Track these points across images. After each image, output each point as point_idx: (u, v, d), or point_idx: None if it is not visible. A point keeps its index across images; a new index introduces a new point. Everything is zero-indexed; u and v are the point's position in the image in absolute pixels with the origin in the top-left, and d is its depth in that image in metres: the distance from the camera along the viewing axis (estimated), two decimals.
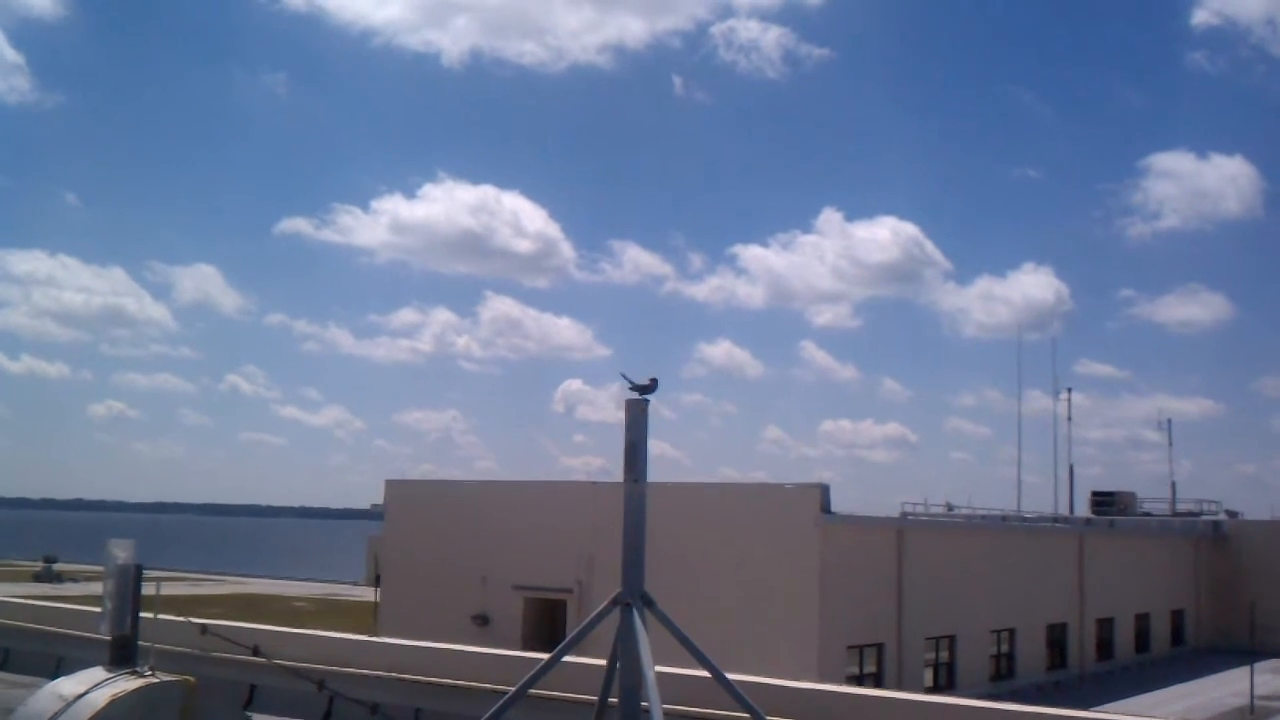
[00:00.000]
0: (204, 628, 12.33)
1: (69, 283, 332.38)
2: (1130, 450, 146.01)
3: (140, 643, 8.89)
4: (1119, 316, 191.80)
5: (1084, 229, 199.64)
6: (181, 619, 12.23)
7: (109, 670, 8.14)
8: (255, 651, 11.87)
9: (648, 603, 7.45)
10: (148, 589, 9.42)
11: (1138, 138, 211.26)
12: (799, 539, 31.66)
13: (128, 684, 7.80)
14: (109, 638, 8.60)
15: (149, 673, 8.15)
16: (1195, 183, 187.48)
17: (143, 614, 9.54)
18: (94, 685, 7.74)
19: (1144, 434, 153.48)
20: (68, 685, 7.92)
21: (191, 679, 8.25)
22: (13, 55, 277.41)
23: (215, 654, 11.87)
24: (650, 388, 7.58)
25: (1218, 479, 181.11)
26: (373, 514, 44.06)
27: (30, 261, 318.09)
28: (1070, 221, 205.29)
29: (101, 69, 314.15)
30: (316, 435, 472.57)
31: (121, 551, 8.72)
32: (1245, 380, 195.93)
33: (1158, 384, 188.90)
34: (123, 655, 8.40)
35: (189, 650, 11.65)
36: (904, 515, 40.20)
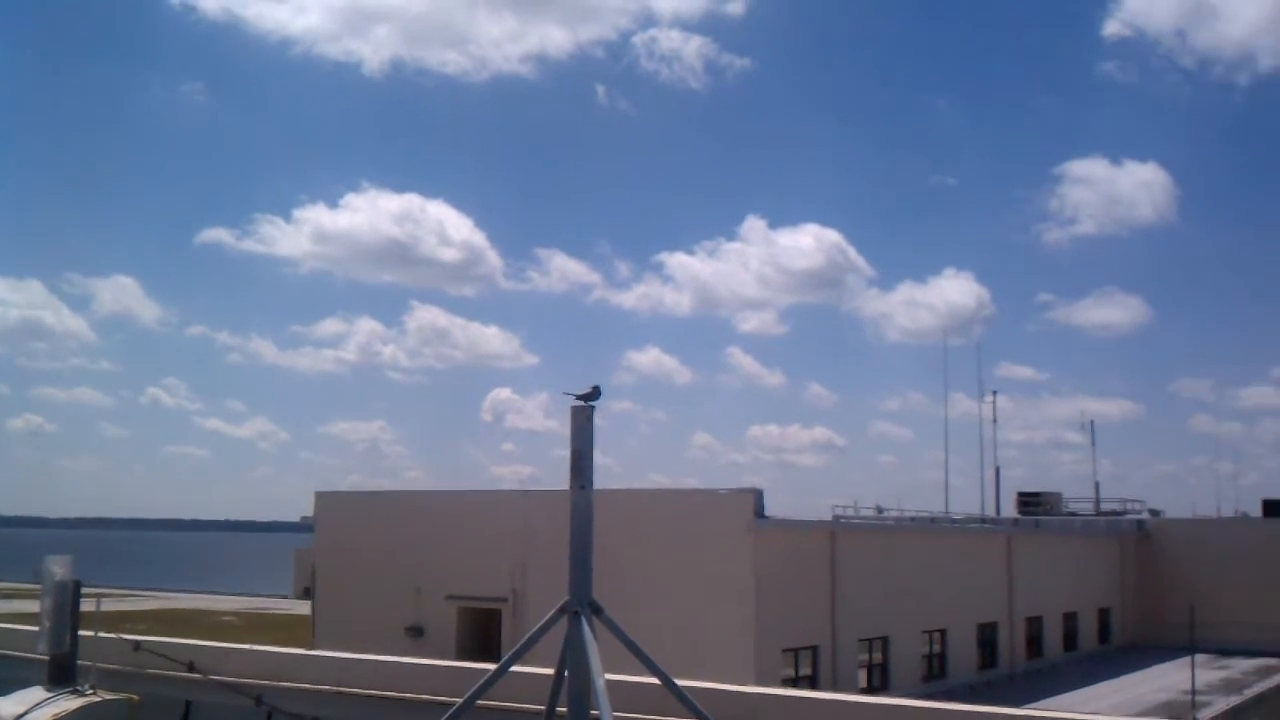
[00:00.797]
0: (137, 644, 12.09)
1: None
2: (1052, 451, 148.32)
3: (80, 661, 8.68)
4: (1038, 320, 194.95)
5: (1002, 235, 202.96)
6: (113, 635, 11.97)
7: (48, 689, 7.93)
8: (191, 667, 11.66)
9: (596, 610, 7.41)
10: (87, 605, 9.19)
11: (1053, 145, 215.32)
12: (733, 544, 31.77)
13: (69, 703, 7.61)
14: (46, 656, 8.37)
15: (90, 691, 7.96)
16: (1110, 189, 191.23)
17: (82, 632, 9.34)
18: (34, 705, 7.54)
19: (1065, 435, 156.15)
20: (6, 706, 7.69)
21: (134, 697, 8.07)
22: None
23: (150, 670, 11.64)
24: (594, 395, 7.56)
25: (1138, 478, 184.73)
26: (301, 526, 43.60)
27: None
28: (989, 227, 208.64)
29: (16, 78, 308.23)
30: (241, 447, 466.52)
31: (59, 567, 8.50)
32: (1163, 381, 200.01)
33: (1077, 386, 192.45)
34: (62, 674, 8.19)
35: (122, 667, 11.41)
36: (836, 518, 40.45)
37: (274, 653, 12.29)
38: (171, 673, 11.54)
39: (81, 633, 9.04)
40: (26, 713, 7.48)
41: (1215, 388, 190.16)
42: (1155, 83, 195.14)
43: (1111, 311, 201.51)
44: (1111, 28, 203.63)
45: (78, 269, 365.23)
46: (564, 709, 7.48)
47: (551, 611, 7.37)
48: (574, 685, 7.32)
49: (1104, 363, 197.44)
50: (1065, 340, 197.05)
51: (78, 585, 8.60)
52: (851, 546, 36.31)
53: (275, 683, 11.21)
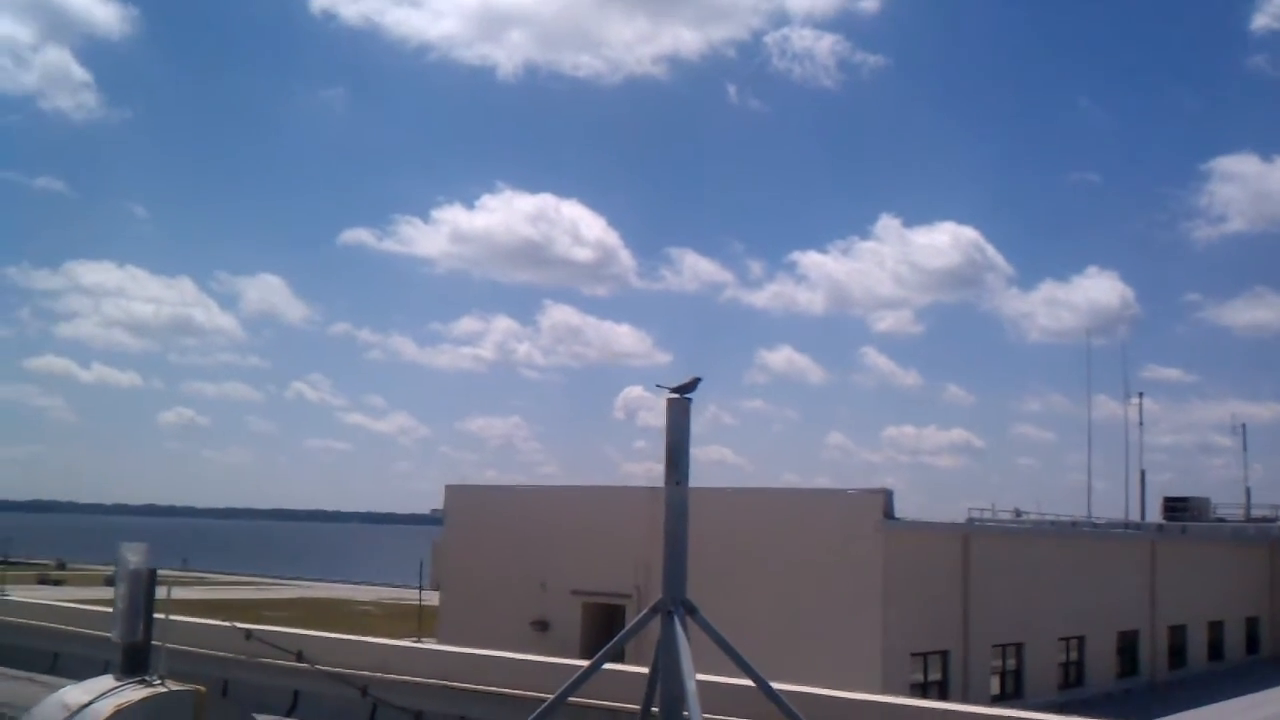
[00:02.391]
0: (249, 633, 12.17)
1: (138, 293, 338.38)
2: (1200, 455, 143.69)
3: (162, 644, 8.64)
4: (1186, 320, 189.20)
5: (1147, 233, 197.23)
6: (226, 624, 12.05)
7: (118, 679, 7.91)
8: (299, 657, 11.69)
9: (689, 610, 7.13)
10: (185, 593, 9.17)
11: (1199, 141, 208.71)
12: (861, 545, 31.12)
13: (134, 694, 7.57)
14: (119, 643, 8.35)
15: (158, 681, 7.93)
16: (1260, 185, 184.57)
17: (179, 617, 9.35)
18: (100, 695, 7.52)
19: (1214, 439, 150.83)
20: (74, 694, 7.71)
21: (202, 688, 8.02)
22: (81, 73, 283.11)
23: (259, 659, 11.68)
24: (690, 386, 7.20)
25: None
26: (436, 519, 44.02)
27: (100, 273, 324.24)
28: (1133, 226, 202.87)
29: (166, 85, 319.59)
30: (382, 442, 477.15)
31: (134, 556, 8.45)
32: None
33: (1227, 388, 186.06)
34: (134, 663, 8.16)
35: (231, 655, 11.47)
36: (970, 521, 39.45)
37: (381, 644, 12.26)
38: (281, 661, 11.59)
39: (177, 618, 9.03)
40: (92, 702, 7.48)
41: None
42: None
43: (1262, 311, 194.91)
44: (1260, 21, 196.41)
45: (226, 268, 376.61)
46: (657, 709, 7.23)
47: (644, 610, 7.12)
48: (667, 686, 7.05)
49: (1255, 364, 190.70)
50: (1214, 341, 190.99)
51: (153, 574, 8.55)
52: (986, 550, 35.35)
53: (382, 674, 11.19)
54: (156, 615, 8.88)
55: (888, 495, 31.43)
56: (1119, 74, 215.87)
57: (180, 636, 12.73)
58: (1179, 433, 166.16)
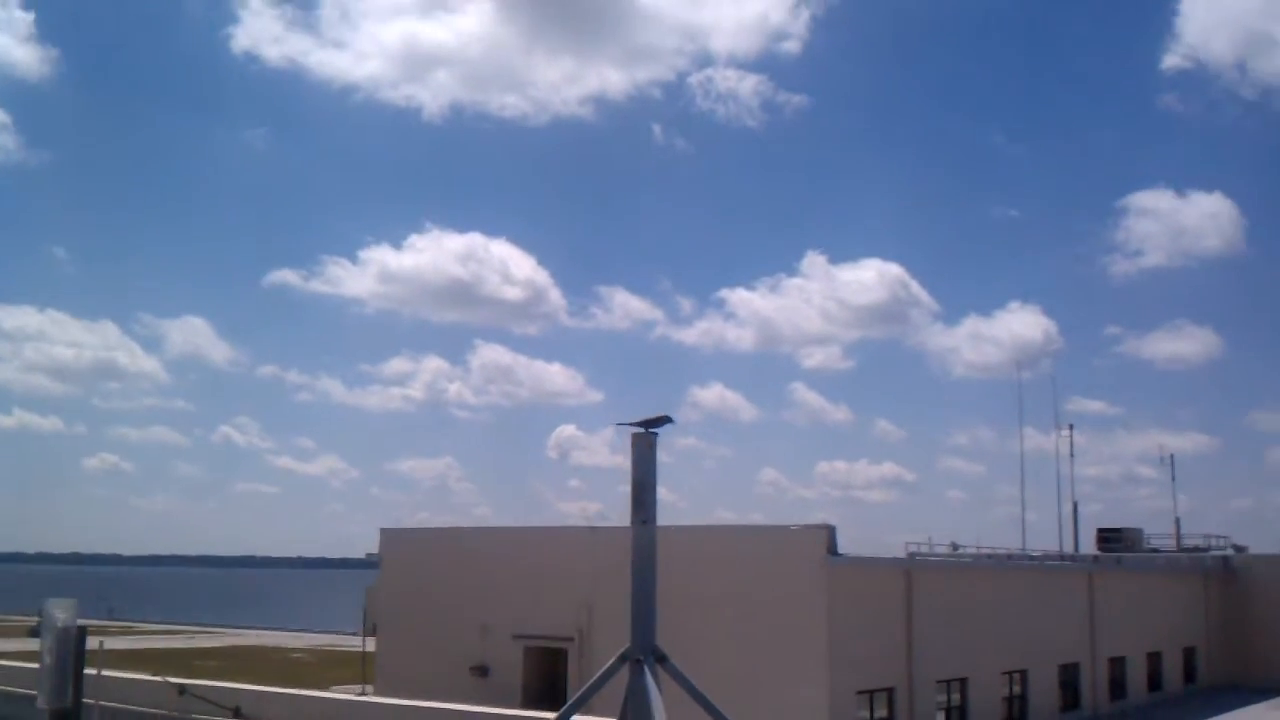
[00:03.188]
0: (182, 688, 11.58)
1: (59, 337, 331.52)
2: (1127, 486, 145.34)
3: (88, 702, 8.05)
4: (1108, 354, 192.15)
5: (1067, 267, 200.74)
6: (158, 679, 11.45)
7: None
8: (235, 713, 11.13)
9: (660, 659, 6.71)
10: (119, 644, 8.58)
11: (1115, 177, 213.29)
12: (805, 582, 30.79)
13: None
14: (46, 709, 7.73)
15: None
16: (1174, 220, 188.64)
17: (110, 672, 8.77)
18: None
19: (1139, 470, 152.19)
20: None
21: None
22: None
23: (195, 716, 11.11)
24: (659, 422, 6.82)
25: (1215, 514, 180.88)
26: (369, 563, 43.20)
27: (20, 316, 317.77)
28: (1053, 260, 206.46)
29: (87, 127, 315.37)
30: (311, 485, 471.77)
31: (62, 612, 7.80)
32: (1238, 414, 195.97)
33: (1150, 419, 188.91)
34: None
35: (164, 713, 10.88)
36: (911, 556, 39.28)
37: (324, 698, 11.70)
38: (217, 719, 11.02)
39: (107, 673, 8.44)
40: None
41: None
42: (1217, 114, 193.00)
43: (1182, 343, 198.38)
44: (1170, 60, 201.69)
45: (150, 310, 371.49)
46: None
47: (612, 659, 6.70)
48: None
49: (1177, 396, 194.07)
50: (1136, 373, 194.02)
51: (83, 632, 7.93)
52: (928, 585, 35.17)
53: None
54: (89, 670, 8.36)
55: (831, 531, 31.15)
56: (1035, 111, 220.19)
57: (109, 693, 12.11)
58: (1104, 464, 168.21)
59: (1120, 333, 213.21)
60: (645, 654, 6.66)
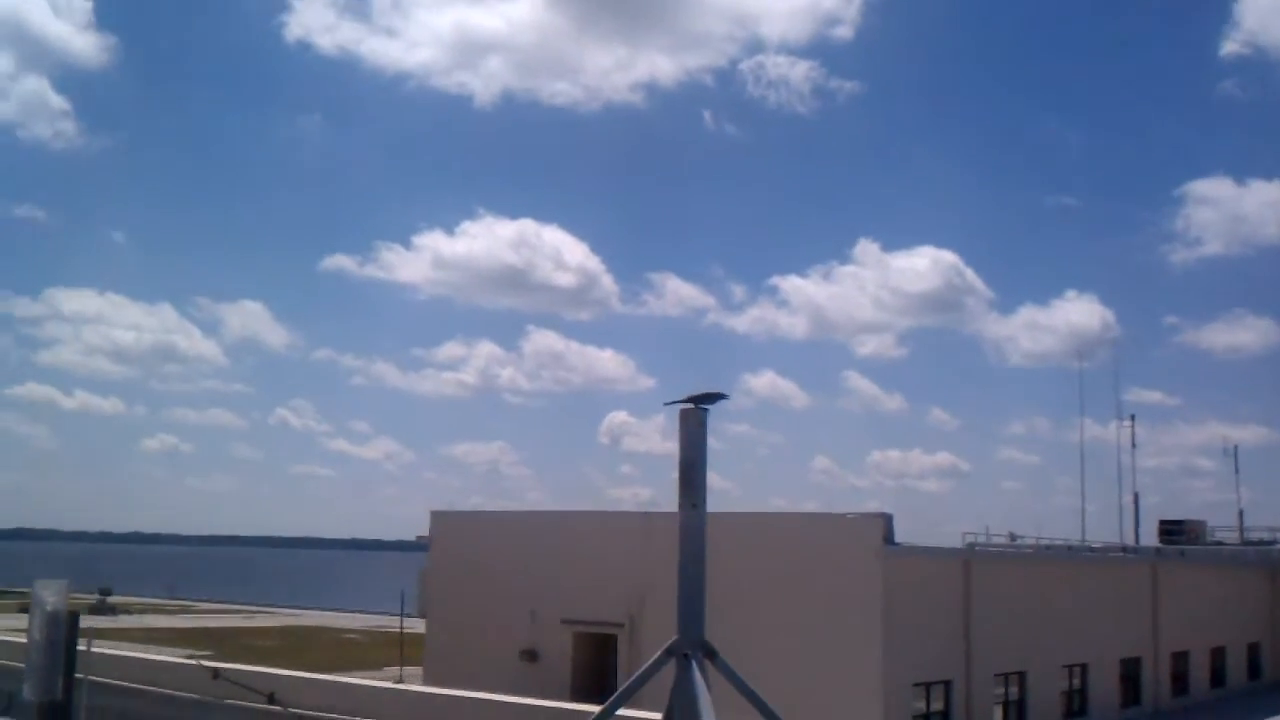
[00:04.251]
0: (216, 672, 11.21)
1: (119, 320, 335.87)
2: (1184, 478, 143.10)
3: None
4: (1166, 343, 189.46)
5: (1125, 256, 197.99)
6: (193, 661, 11.09)
7: None
8: (270, 699, 10.75)
9: (709, 653, 6.19)
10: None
11: (1174, 165, 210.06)
12: (861, 571, 30.14)
13: None
14: (33, 702, 7.22)
15: None
16: (1234, 208, 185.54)
17: (142, 654, 8.38)
18: None
19: (1197, 462, 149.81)
20: None
21: None
22: (59, 101, 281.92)
23: (227, 701, 10.74)
24: (710, 399, 6.29)
25: (1276, 507, 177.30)
26: (421, 546, 42.98)
27: (81, 300, 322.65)
28: (1111, 249, 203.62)
29: (145, 113, 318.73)
30: (366, 468, 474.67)
31: (51, 594, 7.24)
32: None
33: (1209, 411, 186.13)
34: None
35: (197, 697, 10.52)
36: (971, 546, 38.51)
37: (361, 685, 11.28)
38: (251, 704, 10.65)
39: (137, 654, 8.03)
40: None
41: None
42: (1277, 101, 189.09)
43: (1241, 333, 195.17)
44: (1229, 47, 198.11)
45: (207, 294, 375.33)
46: None
47: (658, 653, 6.20)
48: None
49: (1236, 387, 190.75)
50: (1195, 364, 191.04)
51: (74, 618, 7.40)
52: (987, 575, 34.42)
53: (360, 719, 10.24)
54: (113, 650, 7.99)
55: (888, 520, 30.49)
56: (1092, 99, 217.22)
57: (142, 675, 11.80)
58: (1162, 456, 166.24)
59: (1179, 323, 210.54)
60: (693, 648, 6.14)
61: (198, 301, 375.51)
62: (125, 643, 55.83)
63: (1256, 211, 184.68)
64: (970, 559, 35.00)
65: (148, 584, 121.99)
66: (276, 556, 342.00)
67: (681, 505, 6.31)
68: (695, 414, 6.30)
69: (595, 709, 7.32)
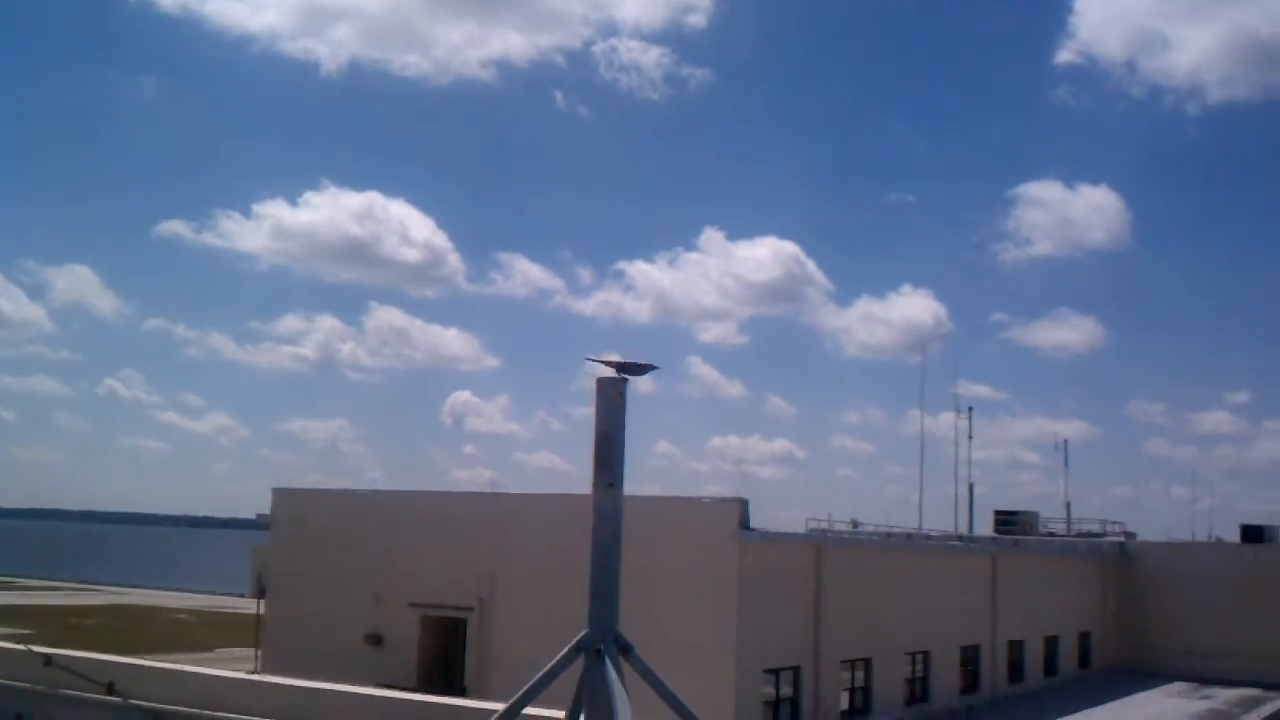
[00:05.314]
0: (48, 659, 10.25)
1: None
2: (1010, 471, 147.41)
3: None
4: (995, 339, 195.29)
5: (958, 253, 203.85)
6: (21, 646, 10.11)
7: None
8: (109, 689, 9.86)
9: (623, 649, 5.61)
10: None
11: (1008, 167, 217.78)
12: (716, 556, 29.90)
13: None
14: None
15: None
16: (1063, 211, 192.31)
17: None
18: None
19: (1023, 455, 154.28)
20: None
21: None
22: None
23: (61, 691, 9.81)
24: (640, 369, 5.69)
25: (1095, 501, 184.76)
26: (258, 524, 41.51)
27: None
28: (945, 246, 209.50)
29: None
30: (199, 442, 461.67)
31: None
32: (1118, 403, 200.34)
33: (1035, 406, 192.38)
34: None
35: (26, 685, 9.58)
36: (821, 532, 38.69)
37: (208, 675, 10.41)
38: (88, 695, 9.74)
39: None
40: None
41: (1170, 411, 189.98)
42: (1106, 109, 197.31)
43: (1067, 332, 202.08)
44: (1063, 56, 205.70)
45: (34, 257, 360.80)
46: None
47: (566, 649, 5.60)
48: None
49: (1060, 383, 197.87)
50: (1022, 359, 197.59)
51: None
52: (837, 561, 34.49)
53: (209, 712, 9.42)
54: None
55: (743, 505, 30.27)
56: (933, 100, 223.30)
57: None
58: (989, 448, 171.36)
59: (1007, 319, 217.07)
60: (606, 642, 5.55)
61: (23, 264, 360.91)
62: None
63: (1084, 215, 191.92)
64: (821, 545, 35.06)
65: None
66: (103, 532, 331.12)
67: (596, 484, 5.71)
68: (615, 384, 5.71)
69: (446, 700, 6.70)
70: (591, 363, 5.73)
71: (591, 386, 5.99)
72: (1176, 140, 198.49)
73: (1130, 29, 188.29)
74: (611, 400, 5.70)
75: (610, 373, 5.47)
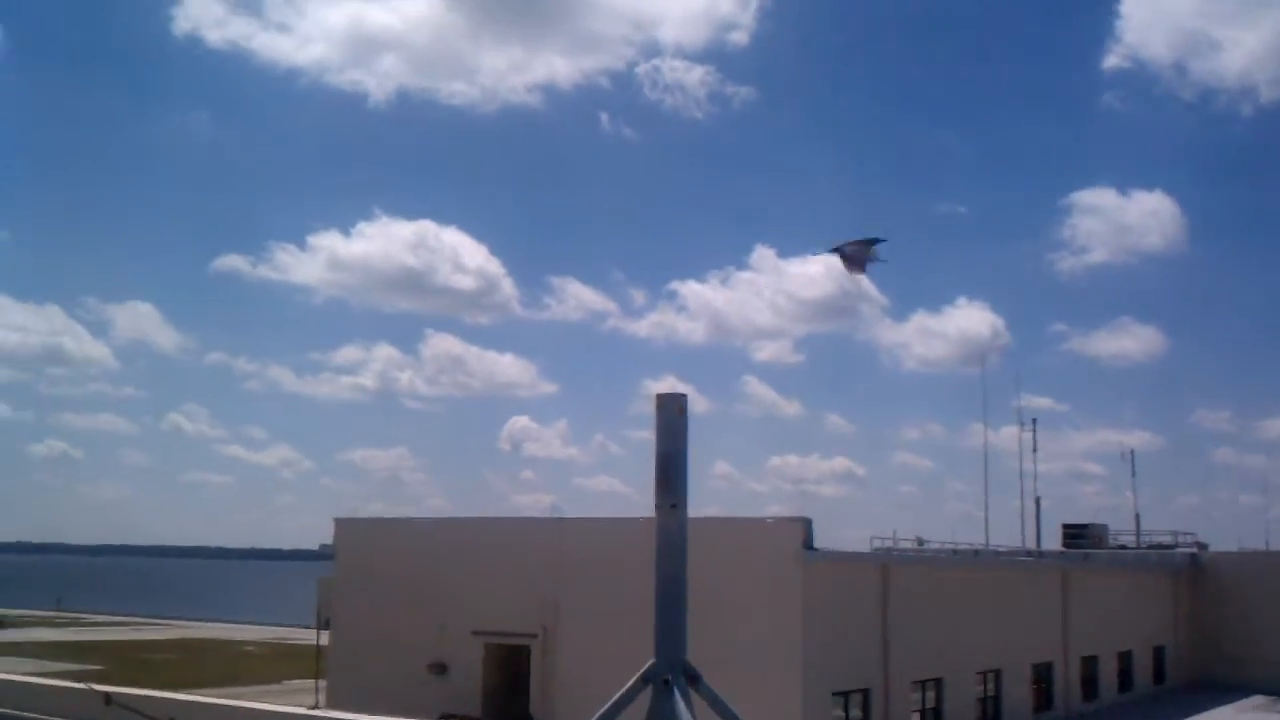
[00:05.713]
0: (108, 697, 10.14)
1: (4, 321, 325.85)
2: (1074, 483, 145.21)
3: None
4: (1054, 350, 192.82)
5: (1014, 264, 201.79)
6: (82, 685, 10.01)
7: None
8: None
9: (692, 678, 5.35)
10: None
11: (1060, 175, 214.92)
12: (780, 577, 29.49)
13: None
14: None
15: None
16: (1118, 218, 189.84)
17: (29, 677, 7.34)
18: None
19: (1085, 466, 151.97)
20: None
21: None
22: None
23: None
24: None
25: (1162, 511, 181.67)
26: (324, 554, 41.55)
27: None
28: (1000, 256, 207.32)
29: (30, 107, 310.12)
30: (262, 474, 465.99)
31: None
32: (1182, 412, 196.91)
33: (1096, 417, 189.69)
34: None
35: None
36: (888, 551, 38.16)
37: (267, 711, 10.26)
38: None
39: (23, 678, 7.03)
40: None
41: (1235, 418, 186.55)
42: (1157, 113, 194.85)
43: (1127, 341, 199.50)
44: (1111, 61, 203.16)
45: (96, 295, 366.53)
46: None
47: (633, 678, 5.34)
48: None
49: (1123, 393, 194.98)
50: (1082, 370, 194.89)
51: None
52: (904, 581, 33.96)
53: None
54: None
55: (807, 524, 29.85)
56: (981, 108, 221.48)
57: (23, 701, 10.67)
58: (1051, 460, 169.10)
59: (1066, 330, 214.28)
60: (674, 672, 5.28)
61: (86, 302, 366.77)
62: (10, 658, 53.57)
63: (1139, 221, 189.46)
64: (887, 564, 34.54)
65: (35, 595, 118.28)
66: (170, 566, 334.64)
67: (659, 506, 5.45)
68: (676, 400, 5.46)
69: None
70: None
71: (649, 409, 5.74)
72: (1229, 142, 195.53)
73: (1177, 32, 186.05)
74: (673, 417, 5.44)
75: (674, 387, 5.28)
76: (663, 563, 5.39)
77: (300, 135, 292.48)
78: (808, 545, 29.68)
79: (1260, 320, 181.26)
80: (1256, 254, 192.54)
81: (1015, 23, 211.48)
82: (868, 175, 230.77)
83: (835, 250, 44.69)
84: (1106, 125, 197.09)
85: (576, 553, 32.59)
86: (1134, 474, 63.90)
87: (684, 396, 5.50)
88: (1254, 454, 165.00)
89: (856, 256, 43.89)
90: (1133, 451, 66.20)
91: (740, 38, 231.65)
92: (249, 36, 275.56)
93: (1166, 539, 60.38)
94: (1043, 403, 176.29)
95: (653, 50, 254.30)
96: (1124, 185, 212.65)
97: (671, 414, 5.43)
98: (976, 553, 48.86)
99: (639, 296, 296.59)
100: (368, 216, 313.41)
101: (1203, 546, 58.11)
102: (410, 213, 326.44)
